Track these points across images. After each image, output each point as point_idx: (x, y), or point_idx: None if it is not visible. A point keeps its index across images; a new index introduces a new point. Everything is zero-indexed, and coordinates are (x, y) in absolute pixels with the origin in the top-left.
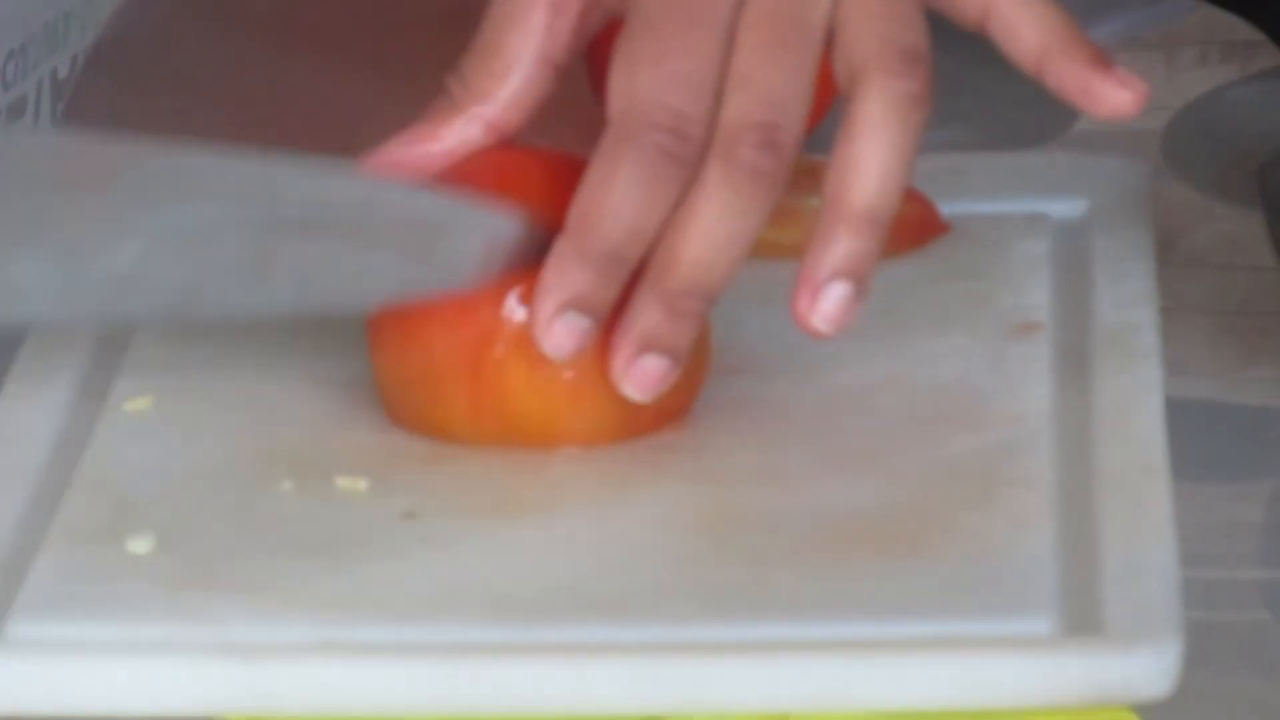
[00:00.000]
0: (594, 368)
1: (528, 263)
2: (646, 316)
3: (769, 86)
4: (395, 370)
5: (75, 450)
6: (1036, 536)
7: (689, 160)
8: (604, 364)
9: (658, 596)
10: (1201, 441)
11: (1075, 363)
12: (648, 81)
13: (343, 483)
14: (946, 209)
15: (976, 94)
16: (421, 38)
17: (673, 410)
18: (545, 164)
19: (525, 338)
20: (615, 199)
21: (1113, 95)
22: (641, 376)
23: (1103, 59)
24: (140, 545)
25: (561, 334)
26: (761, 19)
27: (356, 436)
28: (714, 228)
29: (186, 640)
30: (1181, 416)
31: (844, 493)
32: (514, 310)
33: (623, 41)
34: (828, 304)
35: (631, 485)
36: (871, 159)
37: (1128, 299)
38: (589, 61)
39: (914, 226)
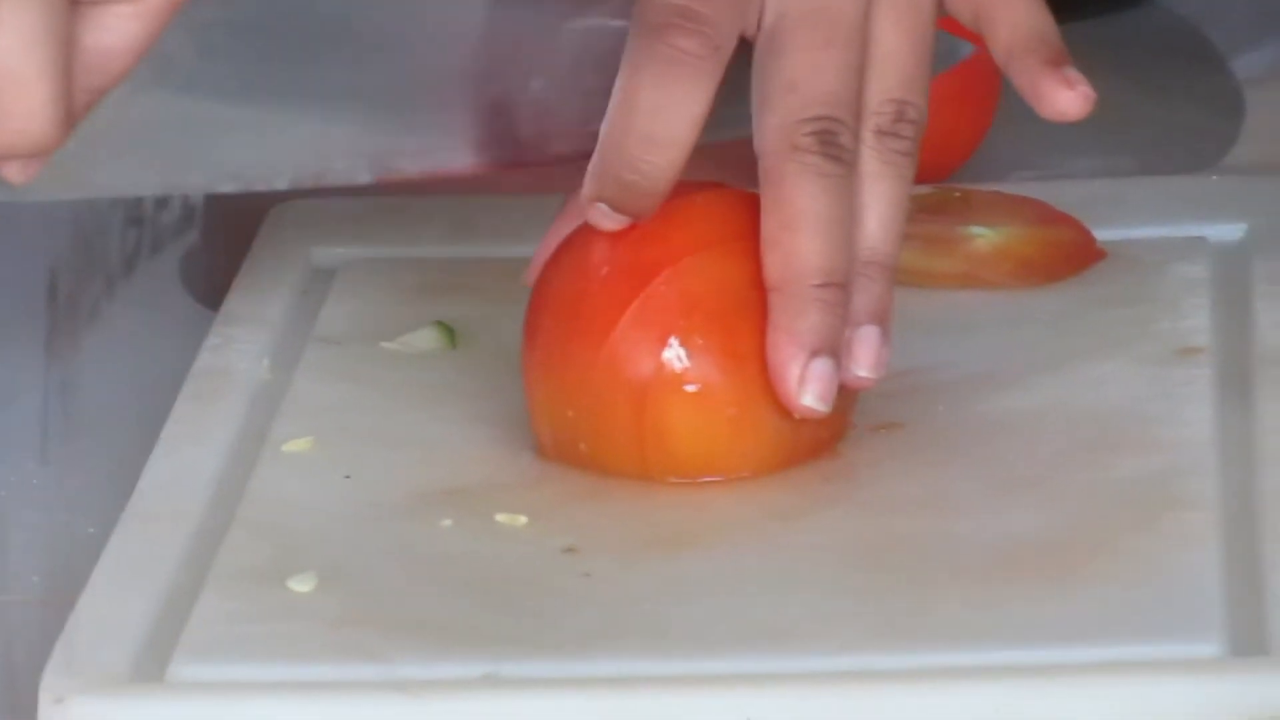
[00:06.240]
0: (755, 399)
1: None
2: (802, 320)
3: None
4: (553, 408)
5: (236, 491)
6: (1202, 559)
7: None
8: (765, 393)
9: (822, 625)
10: None
11: (1237, 385)
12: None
13: (502, 519)
14: (1104, 235)
15: (1134, 123)
16: None
17: (825, 439)
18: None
19: (687, 378)
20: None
21: (1054, 93)
22: (818, 382)
23: (1057, 59)
24: (302, 584)
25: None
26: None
27: (515, 473)
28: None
29: (351, 678)
30: None
31: (1006, 518)
32: (676, 351)
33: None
34: (861, 349)
35: (791, 515)
36: (870, 209)
37: None
38: None
39: (1071, 253)
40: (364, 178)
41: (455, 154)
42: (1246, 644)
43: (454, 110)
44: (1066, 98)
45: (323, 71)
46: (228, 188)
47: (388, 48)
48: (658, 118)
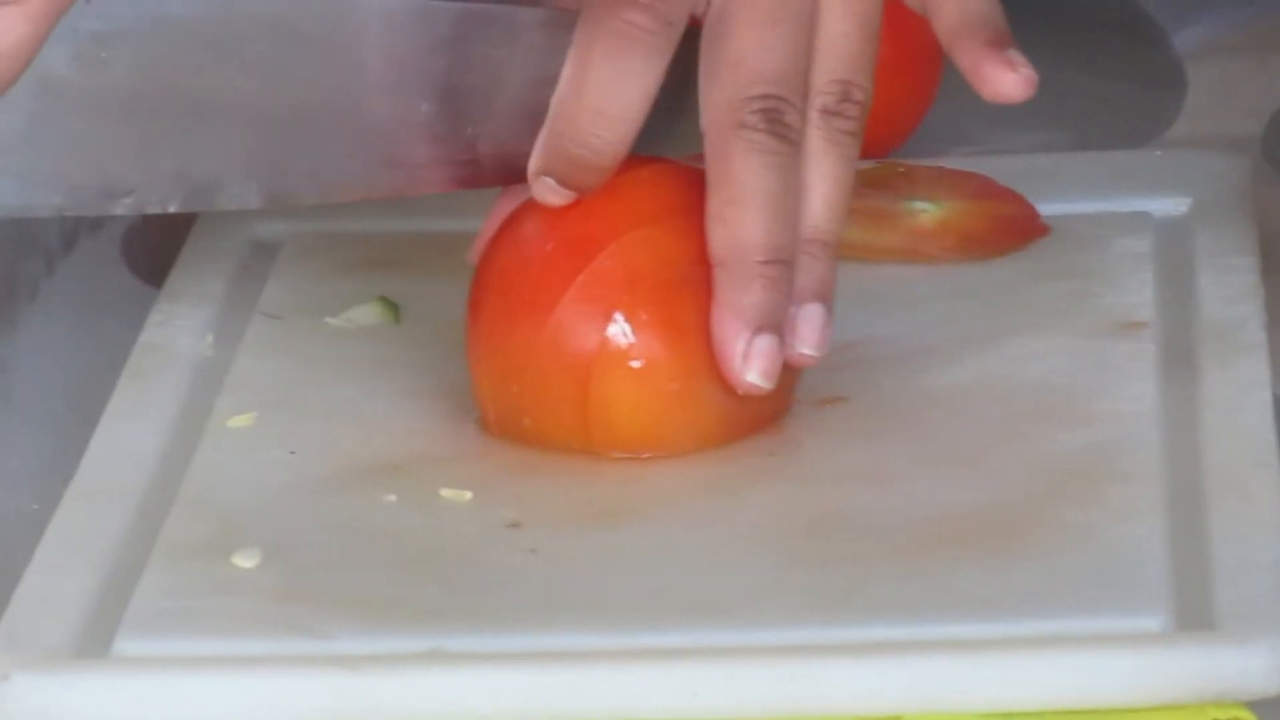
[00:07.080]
0: (699, 375)
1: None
2: (747, 297)
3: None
4: (497, 383)
5: (179, 467)
6: (1145, 532)
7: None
8: (708, 369)
9: (762, 600)
10: None
11: (1181, 359)
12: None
13: (447, 494)
14: (1048, 210)
15: (1076, 98)
16: None
17: (768, 414)
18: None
19: (631, 353)
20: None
21: (996, 75)
22: (761, 359)
23: (998, 41)
24: (246, 560)
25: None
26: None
27: (458, 447)
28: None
29: (294, 653)
30: None
31: (948, 492)
32: (620, 326)
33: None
34: (805, 327)
35: (732, 490)
36: (815, 188)
37: (1232, 294)
38: None
39: (1014, 227)
40: (254, 203)
41: (352, 180)
42: (1191, 618)
43: (352, 134)
44: (1009, 80)
45: (214, 89)
46: (117, 210)
47: (282, 66)
48: (609, 92)
